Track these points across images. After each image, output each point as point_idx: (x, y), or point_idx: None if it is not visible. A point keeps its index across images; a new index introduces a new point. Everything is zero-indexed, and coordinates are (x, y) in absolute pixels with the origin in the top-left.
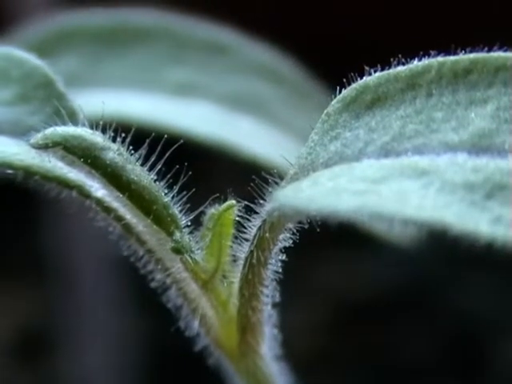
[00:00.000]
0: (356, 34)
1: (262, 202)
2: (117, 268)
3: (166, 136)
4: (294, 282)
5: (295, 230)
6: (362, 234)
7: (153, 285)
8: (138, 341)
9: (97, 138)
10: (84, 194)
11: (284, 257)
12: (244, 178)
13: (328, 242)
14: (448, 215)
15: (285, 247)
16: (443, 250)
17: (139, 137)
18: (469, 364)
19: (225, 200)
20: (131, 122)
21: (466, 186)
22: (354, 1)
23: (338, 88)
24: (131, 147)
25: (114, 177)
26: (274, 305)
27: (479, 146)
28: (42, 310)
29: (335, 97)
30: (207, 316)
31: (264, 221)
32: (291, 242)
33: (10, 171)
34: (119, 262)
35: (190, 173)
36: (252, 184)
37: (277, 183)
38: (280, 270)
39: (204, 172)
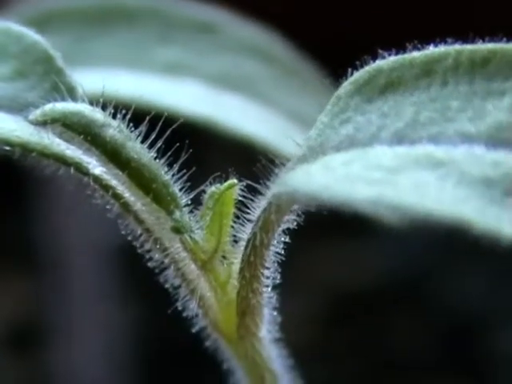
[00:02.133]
0: (356, 34)
1: (266, 182)
2: (109, 257)
3: (165, 114)
4: (292, 271)
5: (300, 213)
6: (362, 222)
7: (145, 269)
8: (131, 330)
9: (97, 114)
10: (82, 171)
11: (287, 238)
12: (246, 157)
13: (327, 232)
14: (468, 212)
15: (288, 229)
16: (442, 242)
17: (139, 115)
18: (466, 354)
19: (226, 179)
20: (119, 100)
21: (485, 180)
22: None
23: (349, 70)
24: (131, 124)
25: (113, 154)
26: (274, 288)
27: (497, 139)
28: (33, 300)
29: (346, 79)
30: (206, 297)
31: (270, 203)
32: (295, 224)
33: (7, 148)
34: (112, 252)
35: (191, 151)
36: (255, 164)
37: (283, 164)
38: (282, 252)
39: (206, 150)
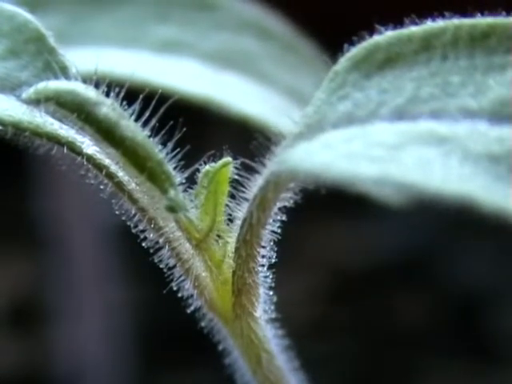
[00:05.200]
0: (352, 9)
1: (262, 160)
2: (110, 235)
3: (160, 91)
4: (293, 250)
5: (297, 190)
6: (362, 199)
7: (145, 248)
8: (132, 309)
9: (90, 92)
10: (75, 150)
11: (283, 217)
12: (243, 135)
13: (328, 210)
14: (475, 190)
15: (285, 207)
16: (445, 219)
17: (133, 93)
18: (468, 330)
19: (221, 157)
20: (115, 78)
21: (490, 157)
22: None
23: (345, 46)
24: (125, 103)
25: (107, 133)
26: (270, 267)
27: (500, 115)
28: (33, 278)
29: (343, 55)
30: (201, 277)
31: (267, 181)
32: (291, 202)
33: None
34: (113, 230)
35: (189, 129)
36: (250, 141)
37: (279, 142)
38: (278, 231)
39: (203, 129)
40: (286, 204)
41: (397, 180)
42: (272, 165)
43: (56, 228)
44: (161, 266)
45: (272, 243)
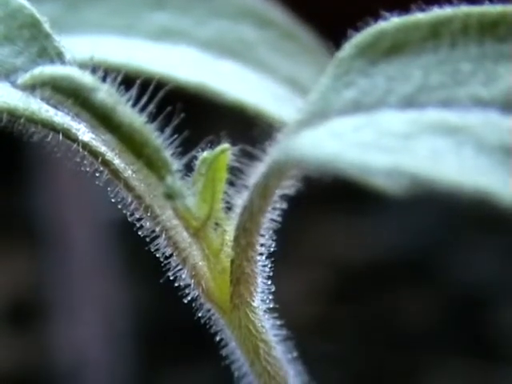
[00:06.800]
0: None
1: (263, 147)
2: (109, 232)
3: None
4: (296, 245)
5: (299, 178)
6: (365, 195)
7: (145, 245)
8: (131, 305)
9: (86, 78)
10: (71, 137)
11: (285, 208)
12: (242, 121)
13: (333, 206)
14: (493, 183)
15: (285, 195)
16: (445, 213)
17: (130, 79)
18: (470, 327)
19: (219, 143)
20: (111, 66)
21: (503, 148)
22: None
23: (350, 32)
24: (121, 88)
25: (104, 118)
26: (269, 257)
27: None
28: (33, 275)
29: (347, 42)
30: (198, 266)
31: (270, 168)
32: (293, 190)
33: None
34: (112, 226)
35: (189, 116)
36: (250, 128)
37: (280, 129)
38: (277, 219)
39: (200, 115)
40: (287, 192)
41: (410, 172)
42: (275, 152)
43: (55, 225)
44: (158, 256)
45: (271, 232)
